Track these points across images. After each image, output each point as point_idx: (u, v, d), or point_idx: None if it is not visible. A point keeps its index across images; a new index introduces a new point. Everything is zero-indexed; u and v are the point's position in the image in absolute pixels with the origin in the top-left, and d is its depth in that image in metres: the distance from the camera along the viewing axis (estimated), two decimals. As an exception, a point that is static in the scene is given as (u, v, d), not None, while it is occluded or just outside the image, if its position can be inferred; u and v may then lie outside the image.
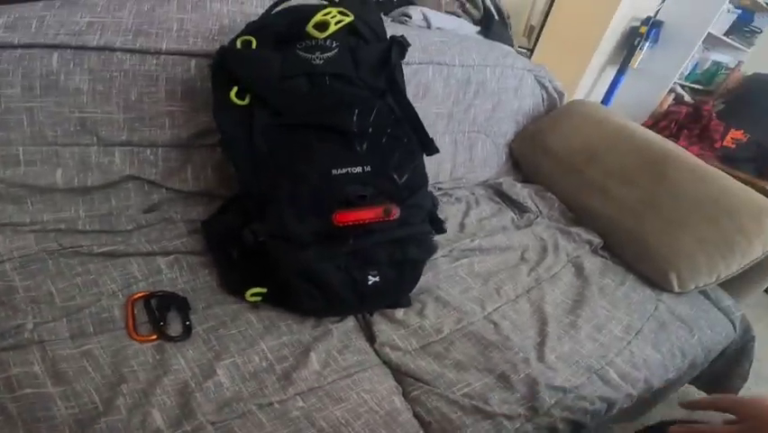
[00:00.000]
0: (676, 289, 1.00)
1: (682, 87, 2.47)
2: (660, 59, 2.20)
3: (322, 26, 0.74)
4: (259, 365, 0.63)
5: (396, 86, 0.82)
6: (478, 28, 1.35)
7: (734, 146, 2.17)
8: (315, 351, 0.67)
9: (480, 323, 0.80)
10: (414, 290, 0.81)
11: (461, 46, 1.16)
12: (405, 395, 0.68)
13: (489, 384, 0.69)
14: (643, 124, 2.21)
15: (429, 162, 0.85)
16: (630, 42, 2.20)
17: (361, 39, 0.81)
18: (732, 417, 0.53)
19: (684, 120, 2.25)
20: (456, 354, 0.73)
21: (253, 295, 0.70)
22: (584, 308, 0.89)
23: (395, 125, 0.79)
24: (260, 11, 0.83)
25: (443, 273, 0.88)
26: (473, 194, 1.19)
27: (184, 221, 0.83)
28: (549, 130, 1.31)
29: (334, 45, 0.76)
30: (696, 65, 2.50)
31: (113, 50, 0.75)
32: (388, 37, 0.85)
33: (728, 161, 2.08)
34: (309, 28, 0.74)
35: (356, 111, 0.74)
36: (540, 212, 1.19)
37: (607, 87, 2.35)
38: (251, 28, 0.77)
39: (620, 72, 2.27)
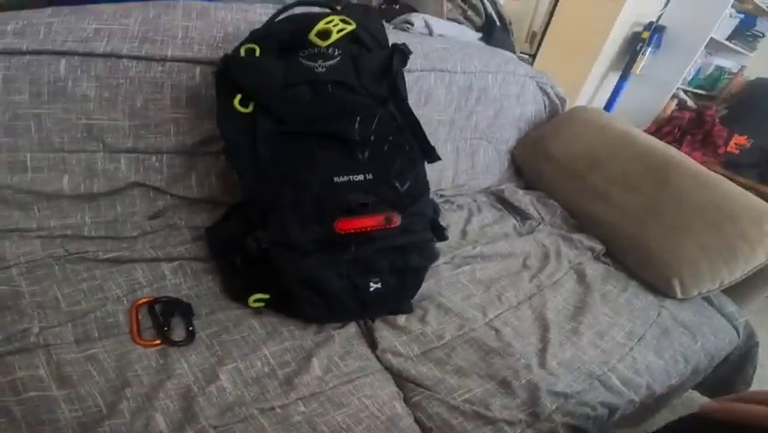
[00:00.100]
0: (679, 295, 1.00)
1: (685, 92, 2.47)
2: (662, 64, 2.20)
3: (324, 34, 0.75)
4: (261, 370, 0.64)
5: (397, 93, 0.83)
6: (480, 35, 1.36)
7: (737, 152, 2.17)
8: (316, 356, 0.67)
9: (481, 329, 0.80)
10: (415, 297, 0.81)
11: (463, 53, 1.17)
12: (406, 401, 0.68)
13: (490, 390, 0.70)
14: (646, 130, 2.22)
15: (431, 169, 0.85)
16: (632, 48, 2.20)
17: (362, 47, 0.81)
18: None
19: (687, 126, 2.25)
20: (457, 360, 0.73)
21: (256, 301, 0.71)
22: (586, 314, 0.89)
23: (396, 133, 0.79)
24: (264, 19, 0.83)
25: (444, 280, 0.89)
26: (475, 201, 1.20)
27: (188, 227, 0.84)
28: (551, 136, 1.32)
29: (337, 53, 0.77)
30: (699, 70, 2.50)
31: (119, 56, 0.76)
32: (390, 44, 0.86)
33: (732, 166, 2.08)
34: (312, 36, 0.74)
35: (358, 119, 0.75)
36: (542, 219, 1.19)
37: (609, 93, 2.35)
38: (255, 36, 0.77)
39: (623, 78, 2.28)
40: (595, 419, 0.71)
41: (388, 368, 0.71)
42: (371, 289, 0.72)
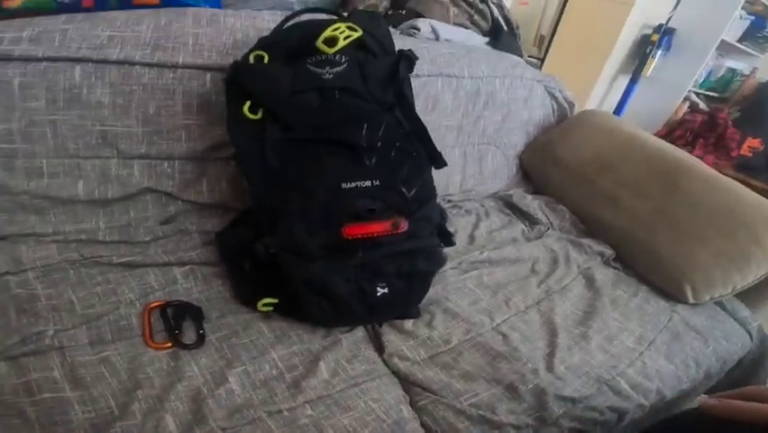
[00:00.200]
0: (691, 300, 0.99)
1: (697, 94, 2.45)
2: (673, 66, 2.19)
3: (331, 41, 0.76)
4: (269, 373, 0.65)
5: (404, 99, 0.83)
6: (487, 39, 1.36)
7: (751, 155, 2.14)
8: (324, 360, 0.68)
9: (488, 334, 0.80)
10: (423, 302, 0.82)
11: (470, 57, 1.17)
12: (412, 404, 0.68)
13: (496, 394, 0.69)
14: (657, 133, 2.21)
15: (439, 175, 0.85)
16: (642, 51, 2.19)
17: (369, 53, 0.82)
18: None
19: (699, 128, 2.23)
20: (464, 364, 0.73)
21: (265, 305, 0.71)
22: (595, 319, 0.88)
23: (403, 139, 0.80)
24: (272, 25, 0.85)
25: (451, 285, 0.89)
26: (483, 206, 1.20)
27: (199, 232, 0.85)
28: (559, 140, 1.31)
29: (344, 60, 0.78)
30: (710, 72, 2.48)
31: (132, 63, 0.78)
32: (396, 50, 0.87)
33: (745, 169, 2.05)
34: (319, 43, 0.75)
35: (365, 125, 0.76)
36: (551, 224, 1.18)
37: (619, 96, 2.34)
38: (264, 43, 0.79)
39: (633, 81, 2.26)
40: (603, 423, 0.71)
41: (395, 372, 0.72)
42: (378, 293, 0.72)
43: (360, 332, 0.76)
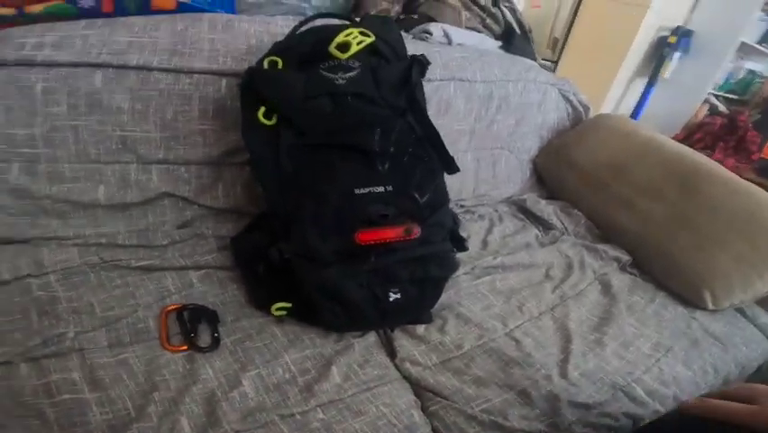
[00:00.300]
0: (710, 307, 0.97)
1: (717, 97, 2.40)
2: (691, 69, 2.15)
3: (344, 47, 0.76)
4: (282, 377, 0.65)
5: (416, 104, 0.83)
6: (499, 43, 1.35)
7: (772, 158, 2.08)
8: (336, 364, 0.68)
9: (501, 340, 0.79)
10: (435, 307, 0.82)
11: (483, 61, 1.17)
12: (423, 409, 0.68)
13: (508, 400, 0.69)
14: (676, 137, 2.17)
15: (451, 179, 0.85)
16: (659, 53, 2.16)
17: (381, 58, 0.82)
18: None
19: (719, 131, 2.18)
20: (476, 369, 0.73)
21: (278, 310, 0.72)
22: (611, 325, 0.87)
23: (416, 144, 0.80)
24: (286, 30, 0.85)
25: (464, 290, 0.88)
26: (496, 211, 1.19)
27: (215, 237, 0.86)
28: (574, 144, 1.30)
29: (356, 65, 0.78)
30: (730, 74, 2.43)
31: (150, 69, 0.79)
32: (408, 55, 0.87)
33: (766, 172, 2.00)
34: (332, 49, 0.76)
35: (378, 130, 0.76)
36: (565, 229, 1.17)
37: (635, 99, 2.30)
38: (277, 48, 0.79)
39: (650, 83, 2.23)
40: (618, 430, 0.70)
41: (407, 377, 0.71)
42: (391, 299, 0.72)
43: (372, 337, 0.76)
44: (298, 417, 0.61)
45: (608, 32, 2.11)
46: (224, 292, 0.77)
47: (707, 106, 2.33)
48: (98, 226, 0.80)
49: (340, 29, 0.77)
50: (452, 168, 0.83)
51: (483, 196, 1.23)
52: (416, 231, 0.71)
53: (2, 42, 0.72)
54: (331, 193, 0.72)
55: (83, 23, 0.77)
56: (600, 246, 1.10)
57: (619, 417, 0.71)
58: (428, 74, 0.88)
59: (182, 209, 0.87)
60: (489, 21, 1.33)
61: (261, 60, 0.78)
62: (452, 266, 0.84)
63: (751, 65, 2.45)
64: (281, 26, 0.91)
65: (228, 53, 0.84)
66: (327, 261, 0.70)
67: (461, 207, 1.16)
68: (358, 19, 0.89)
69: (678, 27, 2.09)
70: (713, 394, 0.52)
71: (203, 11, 0.89)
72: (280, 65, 0.77)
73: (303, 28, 0.83)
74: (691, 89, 2.23)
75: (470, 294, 0.88)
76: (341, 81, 0.77)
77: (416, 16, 1.28)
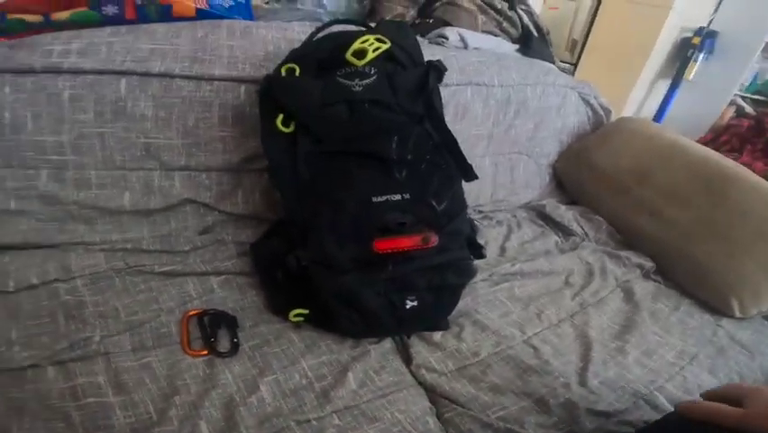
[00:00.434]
0: (737, 314, 0.94)
1: (743, 98, 2.33)
2: (716, 70, 2.09)
3: (360, 54, 0.76)
4: (299, 383, 0.66)
5: (433, 111, 0.83)
6: (516, 46, 1.33)
7: (803, 160, 2.00)
8: (352, 370, 0.68)
9: (518, 347, 0.78)
10: (452, 314, 0.81)
11: (500, 65, 1.16)
12: (439, 416, 0.67)
13: (525, 408, 0.68)
14: (702, 139, 2.11)
15: (469, 185, 0.84)
16: (683, 54, 2.11)
17: (398, 65, 0.82)
18: None
19: (746, 133, 2.11)
20: (493, 377, 0.72)
21: (296, 316, 0.73)
22: (633, 333, 0.85)
23: (433, 151, 0.80)
24: (302, 37, 0.86)
25: (482, 297, 0.88)
26: (515, 217, 1.18)
27: (234, 243, 0.88)
28: (595, 147, 1.28)
29: (373, 72, 0.78)
30: (756, 75, 2.35)
31: (172, 76, 0.80)
32: (425, 61, 0.86)
33: (798, 176, 1.92)
34: (348, 56, 0.76)
35: (395, 138, 0.76)
36: (586, 235, 1.15)
37: (658, 102, 2.25)
38: (295, 55, 0.80)
39: (674, 86, 2.18)
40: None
41: (422, 384, 0.71)
42: (408, 306, 0.72)
43: (388, 343, 0.76)
44: (314, 423, 0.61)
45: (628, 33, 2.07)
46: (243, 298, 0.78)
47: (733, 108, 2.26)
48: (124, 232, 0.82)
49: (356, 35, 0.77)
50: (470, 175, 0.82)
51: (501, 201, 1.22)
52: (434, 239, 0.70)
53: (29, 49, 0.73)
54: (348, 201, 0.72)
55: (108, 30, 0.79)
56: (623, 253, 1.08)
57: (640, 425, 0.69)
58: (445, 79, 0.87)
59: (203, 215, 0.88)
60: (505, 24, 1.32)
61: (279, 68, 0.79)
62: (470, 273, 0.83)
63: (778, 66, 2.37)
64: (298, 32, 0.92)
65: (247, 60, 0.85)
66: (344, 268, 0.70)
67: (479, 212, 1.15)
68: (373, 24, 0.89)
69: (701, 28, 2.04)
70: (702, 395, 0.54)
71: (221, 17, 0.91)
72: (298, 72, 0.77)
73: (319, 34, 0.84)
74: (717, 91, 2.17)
75: (487, 301, 0.87)
76: (357, 88, 0.77)
77: (431, 21, 1.27)
